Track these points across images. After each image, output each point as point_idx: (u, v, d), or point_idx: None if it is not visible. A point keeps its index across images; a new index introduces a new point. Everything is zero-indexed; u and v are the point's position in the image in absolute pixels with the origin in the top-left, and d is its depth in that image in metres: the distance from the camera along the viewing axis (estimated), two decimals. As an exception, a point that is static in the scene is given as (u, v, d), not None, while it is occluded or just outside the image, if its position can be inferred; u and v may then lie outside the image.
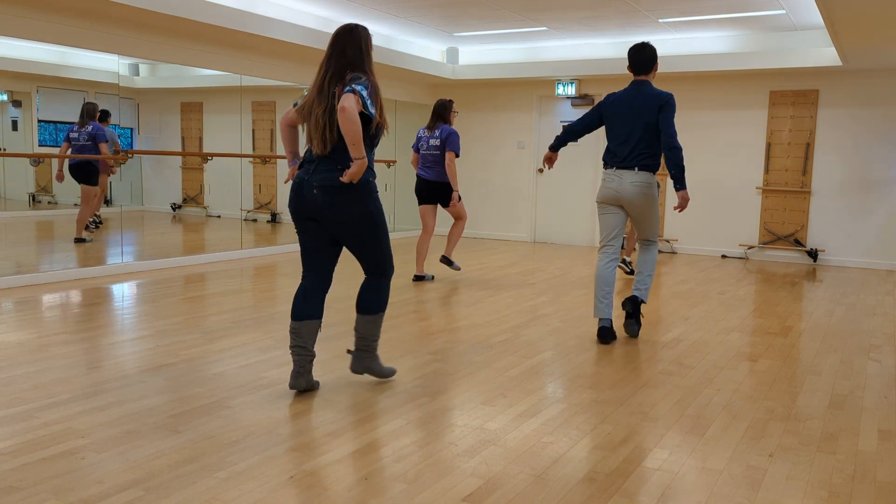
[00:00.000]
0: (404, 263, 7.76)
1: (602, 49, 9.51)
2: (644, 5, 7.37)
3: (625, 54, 9.35)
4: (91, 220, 8.05)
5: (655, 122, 4.51)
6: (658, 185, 4.71)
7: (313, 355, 3.45)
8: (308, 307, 3.42)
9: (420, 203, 6.73)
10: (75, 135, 7.53)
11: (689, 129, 9.52)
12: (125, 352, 4.10)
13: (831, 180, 8.86)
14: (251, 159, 10.16)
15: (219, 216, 9.59)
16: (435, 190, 6.62)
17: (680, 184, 4.48)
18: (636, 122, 4.55)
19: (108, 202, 8.74)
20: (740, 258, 9.25)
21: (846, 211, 8.81)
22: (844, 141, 8.76)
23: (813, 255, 8.91)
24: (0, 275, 6.00)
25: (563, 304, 5.89)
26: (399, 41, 9.48)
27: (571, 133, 4.83)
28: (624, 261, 7.40)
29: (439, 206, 6.78)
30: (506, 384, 3.70)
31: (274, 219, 10.47)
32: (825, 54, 8.20)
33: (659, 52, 9.06)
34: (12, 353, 4.02)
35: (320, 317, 3.46)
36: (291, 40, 7.53)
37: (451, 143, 6.48)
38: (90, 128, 7.48)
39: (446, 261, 6.85)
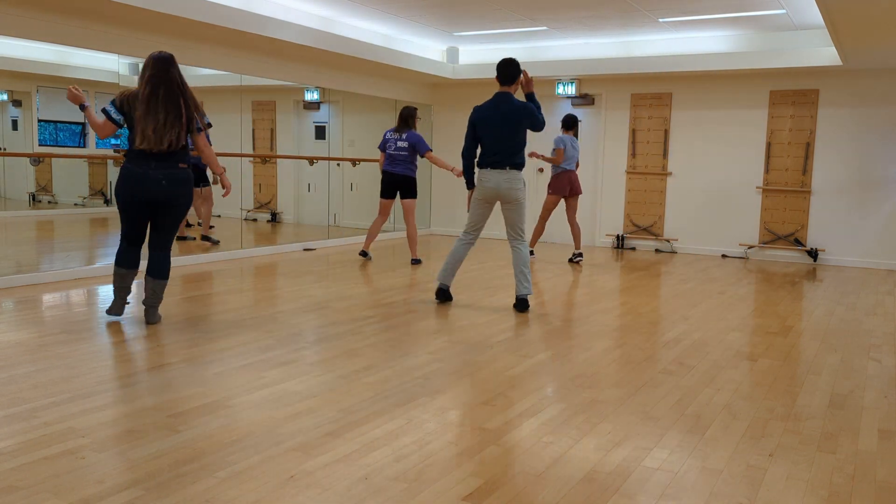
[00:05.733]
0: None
1: (602, 49, 9.51)
2: (644, 5, 7.37)
3: (626, 54, 9.36)
4: None
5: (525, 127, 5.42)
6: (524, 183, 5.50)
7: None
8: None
9: (382, 196, 7.81)
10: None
11: (689, 128, 9.52)
12: (125, 351, 4.10)
13: (831, 180, 8.86)
14: (251, 159, 10.16)
15: (219, 216, 9.59)
16: (400, 184, 7.69)
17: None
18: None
19: (107, 202, 8.74)
20: (740, 258, 9.25)
21: (846, 211, 8.80)
22: (844, 141, 8.76)
23: (813, 254, 8.92)
24: (0, 274, 6.00)
25: (563, 303, 5.89)
26: (399, 40, 9.47)
27: (471, 158, 5.66)
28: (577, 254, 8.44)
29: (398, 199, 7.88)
30: (506, 384, 3.70)
31: (274, 218, 10.47)
32: (825, 54, 8.20)
33: (659, 52, 9.17)
34: (12, 352, 4.02)
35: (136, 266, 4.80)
36: (291, 40, 7.52)
37: (422, 145, 7.60)
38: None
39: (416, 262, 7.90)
